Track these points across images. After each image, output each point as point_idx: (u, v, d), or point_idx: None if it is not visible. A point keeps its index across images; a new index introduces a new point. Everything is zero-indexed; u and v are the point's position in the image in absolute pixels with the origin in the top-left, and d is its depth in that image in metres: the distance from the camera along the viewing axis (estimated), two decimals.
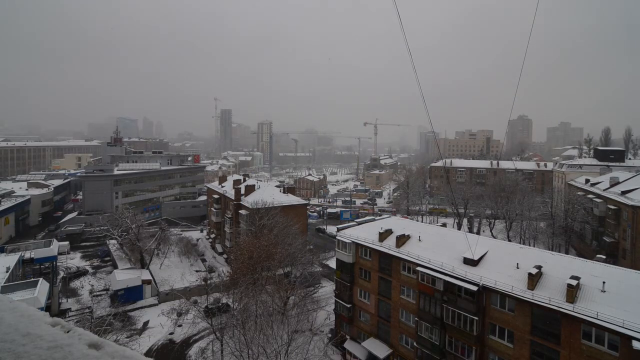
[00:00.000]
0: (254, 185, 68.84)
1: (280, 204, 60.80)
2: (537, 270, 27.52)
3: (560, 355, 24.99)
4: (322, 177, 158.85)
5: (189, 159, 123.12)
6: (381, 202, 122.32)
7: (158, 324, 44.25)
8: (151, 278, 53.76)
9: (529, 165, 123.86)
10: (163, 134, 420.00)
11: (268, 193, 64.26)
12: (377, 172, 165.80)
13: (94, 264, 64.11)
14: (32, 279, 42.23)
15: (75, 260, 64.29)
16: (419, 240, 37.60)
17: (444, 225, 48.08)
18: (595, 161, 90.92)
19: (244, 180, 75.03)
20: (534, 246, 58.09)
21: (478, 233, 68.52)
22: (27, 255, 48.21)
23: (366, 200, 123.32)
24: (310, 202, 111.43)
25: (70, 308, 47.30)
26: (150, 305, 49.58)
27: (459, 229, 69.77)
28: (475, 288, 28.98)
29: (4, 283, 37.22)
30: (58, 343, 1.93)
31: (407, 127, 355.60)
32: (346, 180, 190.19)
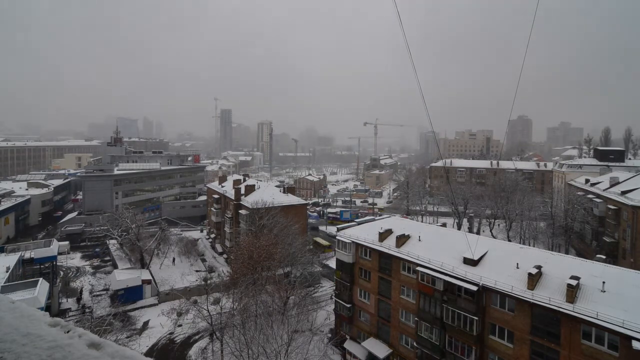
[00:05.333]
0: (253, 185, 68.88)
1: (280, 204, 60.83)
2: (537, 270, 27.52)
3: (560, 355, 24.99)
4: (322, 177, 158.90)
5: (189, 158, 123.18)
6: (381, 202, 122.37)
7: (158, 324, 44.25)
8: (151, 278, 53.77)
9: (529, 165, 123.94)
10: (163, 133, 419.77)
11: (268, 193, 64.29)
12: (377, 172, 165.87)
13: (94, 263, 64.15)
14: (32, 279, 42.23)
15: (75, 261, 64.38)
16: (419, 240, 37.61)
17: (444, 225, 48.08)
18: (595, 161, 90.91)
19: (244, 180, 75.06)
20: (534, 246, 58.11)
21: (478, 233, 68.53)
22: (27, 255, 48.22)
23: (370, 201, 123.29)
24: (310, 202, 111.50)
25: (70, 308, 47.32)
26: (150, 305, 49.59)
27: (459, 228, 69.78)
28: (475, 288, 28.99)
29: (4, 283, 37.26)
30: (58, 343, 1.94)
31: (407, 127, 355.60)
32: (346, 180, 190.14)
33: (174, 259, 62.98)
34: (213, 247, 73.99)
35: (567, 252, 61.25)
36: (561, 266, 29.10)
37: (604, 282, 25.46)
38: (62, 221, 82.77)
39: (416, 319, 33.91)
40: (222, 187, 78.30)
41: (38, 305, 34.06)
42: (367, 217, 58.18)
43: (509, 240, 64.43)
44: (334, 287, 46.11)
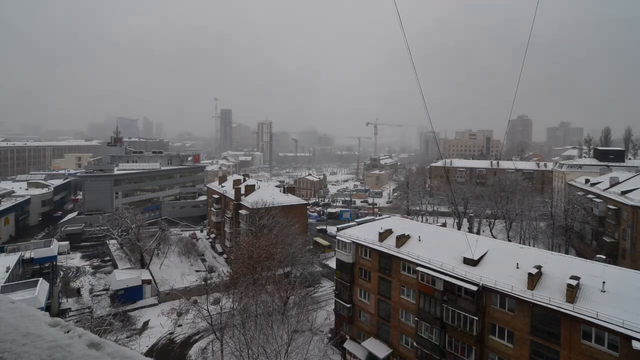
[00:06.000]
0: (254, 185, 68.87)
1: (280, 204, 60.83)
2: (537, 270, 27.51)
3: (560, 355, 24.98)
4: (322, 177, 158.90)
5: (189, 159, 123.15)
6: (381, 202, 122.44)
7: (158, 324, 44.25)
8: (151, 278, 53.77)
9: (529, 165, 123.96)
10: (163, 134, 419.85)
11: (268, 193, 64.29)
12: (377, 172, 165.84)
13: (94, 263, 64.14)
14: (32, 279, 42.21)
15: (75, 261, 64.34)
16: (419, 240, 37.59)
17: (444, 225, 48.10)
18: (595, 161, 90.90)
19: (244, 180, 75.05)
20: (534, 246, 58.08)
21: (478, 233, 68.50)
22: (27, 255, 48.20)
23: (370, 201, 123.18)
24: (310, 202, 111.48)
25: (70, 308, 47.31)
26: (150, 305, 49.58)
27: (459, 228, 69.77)
28: (475, 288, 28.98)
29: (4, 283, 37.23)
30: (58, 343, 1.94)
31: (407, 127, 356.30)
32: (346, 180, 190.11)
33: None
34: (213, 247, 73.98)
35: (567, 252, 61.23)
36: (561, 266, 29.09)
37: (604, 282, 25.45)
38: (62, 221, 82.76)
39: (416, 319, 33.89)
40: (222, 187, 78.29)
41: (38, 305, 34.05)
42: (367, 217, 58.19)
43: (509, 240, 64.40)
44: (334, 287, 46.10)
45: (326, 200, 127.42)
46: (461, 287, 29.95)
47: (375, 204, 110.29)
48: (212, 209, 78.30)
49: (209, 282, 50.99)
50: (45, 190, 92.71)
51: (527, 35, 17.95)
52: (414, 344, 34.13)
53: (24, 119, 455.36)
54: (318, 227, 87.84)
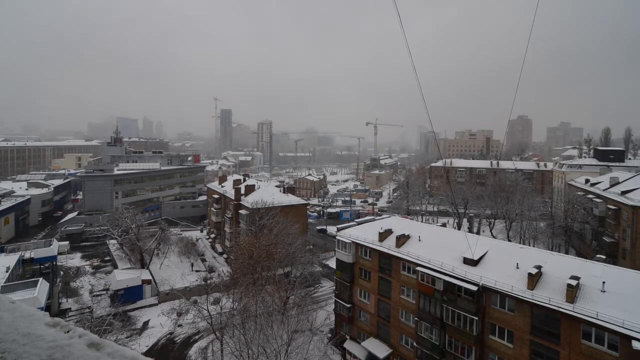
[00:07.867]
0: (254, 185, 68.84)
1: (280, 204, 60.81)
2: (537, 270, 27.50)
3: (560, 355, 24.98)
4: (322, 177, 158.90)
5: (189, 159, 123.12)
6: (381, 202, 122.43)
7: (158, 324, 44.27)
8: (151, 278, 53.76)
9: (529, 165, 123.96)
10: (163, 134, 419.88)
11: (268, 193, 64.26)
12: (377, 172, 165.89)
13: (94, 263, 64.11)
14: (32, 279, 42.19)
15: (75, 261, 64.32)
16: (419, 240, 37.59)
17: (444, 225, 48.09)
18: (595, 161, 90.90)
19: (244, 180, 75.02)
20: (533, 246, 58.07)
21: (478, 233, 68.49)
22: (27, 255, 48.17)
23: (370, 201, 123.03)
24: (310, 202, 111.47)
25: (70, 308, 47.30)
26: (150, 305, 49.58)
27: (459, 229, 69.74)
28: (475, 288, 28.98)
29: (4, 283, 37.21)
30: (58, 343, 1.94)
31: (407, 127, 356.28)
32: (346, 180, 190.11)
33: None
34: (213, 247, 73.95)
35: (567, 252, 61.21)
36: (561, 266, 29.08)
37: (604, 282, 25.44)
38: (62, 221, 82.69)
39: (416, 319, 33.89)
40: (222, 187, 78.26)
41: (38, 305, 34.01)
42: (367, 217, 58.17)
43: (509, 240, 64.37)
44: (334, 287, 46.08)
45: (326, 200, 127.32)
46: (461, 287, 29.94)
47: (375, 204, 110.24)
48: (212, 209, 78.27)
49: (209, 282, 50.98)
50: (45, 190, 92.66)
51: (528, 35, 17.95)
52: (414, 344, 34.14)
53: (24, 119, 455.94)
54: (318, 227, 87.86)
